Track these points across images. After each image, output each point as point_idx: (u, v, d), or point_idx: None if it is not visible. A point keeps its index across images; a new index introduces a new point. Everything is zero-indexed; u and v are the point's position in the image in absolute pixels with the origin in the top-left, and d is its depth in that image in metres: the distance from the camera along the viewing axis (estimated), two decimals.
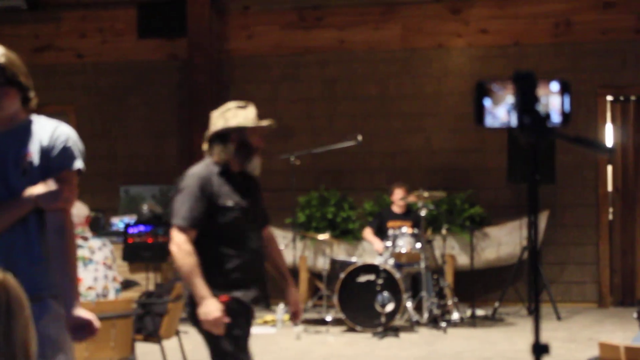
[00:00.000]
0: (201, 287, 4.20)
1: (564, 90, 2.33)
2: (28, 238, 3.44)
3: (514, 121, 2.33)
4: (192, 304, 4.26)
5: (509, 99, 2.33)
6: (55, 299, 3.42)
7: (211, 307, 4.17)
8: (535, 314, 2.45)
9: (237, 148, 4.44)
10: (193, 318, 4.27)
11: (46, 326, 3.33)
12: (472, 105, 2.39)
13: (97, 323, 3.40)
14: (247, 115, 4.45)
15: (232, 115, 4.44)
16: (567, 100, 2.33)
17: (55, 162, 3.46)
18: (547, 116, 2.30)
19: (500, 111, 2.34)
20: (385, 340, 8.86)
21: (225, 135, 4.43)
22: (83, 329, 3.39)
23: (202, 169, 4.43)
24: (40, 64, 12.18)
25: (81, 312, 3.38)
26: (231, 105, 4.50)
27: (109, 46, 12.30)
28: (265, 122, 4.51)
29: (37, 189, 3.41)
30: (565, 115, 2.33)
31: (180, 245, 4.24)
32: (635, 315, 5.70)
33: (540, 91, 2.31)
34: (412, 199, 9.86)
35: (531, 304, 10.50)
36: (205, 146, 4.51)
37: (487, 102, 2.36)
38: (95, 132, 12.20)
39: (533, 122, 2.27)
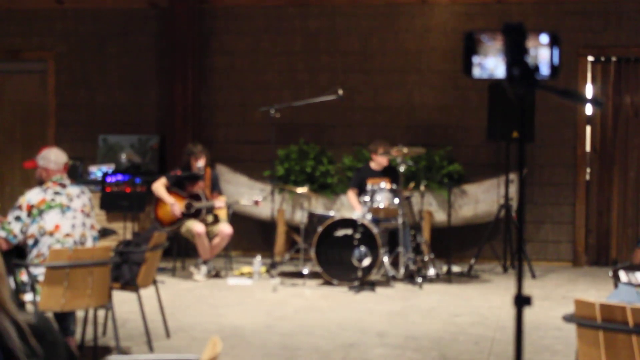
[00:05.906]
0: None
1: (553, 42, 2.32)
2: None
3: (501, 73, 2.32)
4: None
5: (498, 50, 2.31)
6: None
7: None
8: (518, 267, 2.46)
9: None
10: None
11: None
12: (461, 56, 2.37)
13: None
14: None
15: None
16: (556, 53, 2.32)
17: None
18: (536, 68, 2.29)
19: (489, 62, 2.33)
20: (361, 294, 8.90)
21: None
22: None
23: None
24: (19, 8, 12.03)
25: None
26: None
27: None
28: None
29: None
30: (554, 68, 2.32)
31: None
32: (610, 273, 5.76)
33: (530, 43, 2.29)
34: (393, 153, 9.83)
35: (506, 261, 10.57)
36: None
37: (476, 53, 2.34)
38: (74, 80, 12.09)
39: (522, 73, 2.26)
